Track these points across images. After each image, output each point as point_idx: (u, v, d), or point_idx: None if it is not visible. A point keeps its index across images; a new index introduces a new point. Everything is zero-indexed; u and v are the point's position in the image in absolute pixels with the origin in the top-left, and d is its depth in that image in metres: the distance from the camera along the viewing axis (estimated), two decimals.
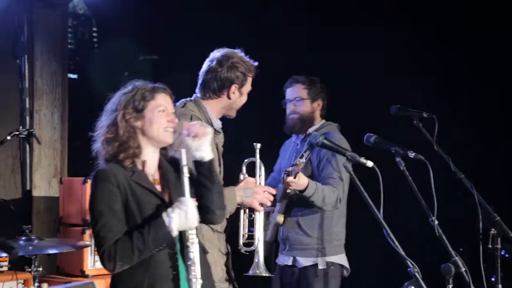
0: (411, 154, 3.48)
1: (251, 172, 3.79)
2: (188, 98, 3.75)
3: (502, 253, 3.96)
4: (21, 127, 5.17)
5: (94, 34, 7.41)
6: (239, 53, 3.74)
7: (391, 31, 5.77)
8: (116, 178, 2.95)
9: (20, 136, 5.09)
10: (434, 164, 3.44)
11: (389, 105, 3.95)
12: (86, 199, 4.74)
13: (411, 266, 3.03)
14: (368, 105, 5.37)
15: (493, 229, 3.55)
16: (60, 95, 5.63)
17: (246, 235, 3.74)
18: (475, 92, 5.73)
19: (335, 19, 6.04)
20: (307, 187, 4.14)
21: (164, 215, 2.91)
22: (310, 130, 4.51)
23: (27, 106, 5.35)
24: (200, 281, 2.94)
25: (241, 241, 3.72)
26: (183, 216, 2.90)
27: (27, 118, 5.33)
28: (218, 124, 3.74)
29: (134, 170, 3.01)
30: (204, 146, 3.02)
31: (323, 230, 4.39)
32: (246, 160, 3.80)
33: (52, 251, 4.10)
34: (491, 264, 3.49)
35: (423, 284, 2.97)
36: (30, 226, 4.12)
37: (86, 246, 4.49)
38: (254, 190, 3.68)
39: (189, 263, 2.95)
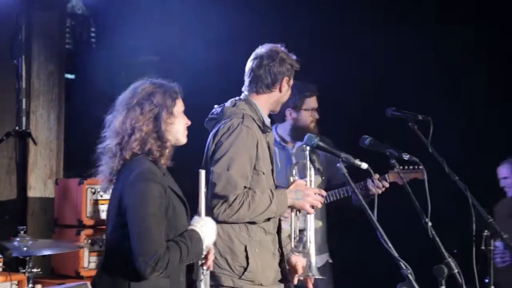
0: (406, 156, 3.47)
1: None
2: (238, 97, 3.73)
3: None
4: (17, 127, 5.16)
5: (92, 35, 7.40)
6: (280, 47, 3.76)
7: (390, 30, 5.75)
8: (162, 181, 2.85)
9: (16, 136, 5.08)
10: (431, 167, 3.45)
11: (385, 107, 3.95)
12: (82, 200, 4.78)
13: (404, 267, 3.02)
14: (363, 106, 5.36)
15: (486, 231, 3.57)
16: (57, 96, 5.64)
17: (298, 237, 3.72)
18: (473, 94, 5.73)
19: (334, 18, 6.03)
20: None
21: (198, 230, 2.88)
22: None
23: (24, 106, 5.36)
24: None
25: (292, 243, 3.69)
26: (210, 235, 2.92)
27: (24, 118, 5.35)
28: (268, 122, 3.75)
29: (163, 172, 2.91)
30: None
31: None
32: (294, 162, 3.85)
33: (46, 252, 4.08)
34: (484, 265, 3.50)
35: (416, 285, 2.95)
36: (25, 227, 4.10)
37: (81, 247, 4.50)
38: (305, 192, 3.63)
39: (205, 273, 2.97)
